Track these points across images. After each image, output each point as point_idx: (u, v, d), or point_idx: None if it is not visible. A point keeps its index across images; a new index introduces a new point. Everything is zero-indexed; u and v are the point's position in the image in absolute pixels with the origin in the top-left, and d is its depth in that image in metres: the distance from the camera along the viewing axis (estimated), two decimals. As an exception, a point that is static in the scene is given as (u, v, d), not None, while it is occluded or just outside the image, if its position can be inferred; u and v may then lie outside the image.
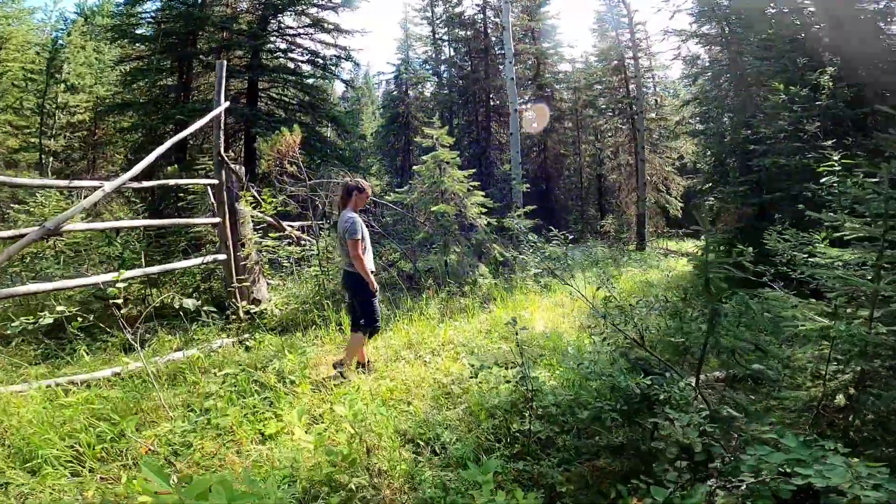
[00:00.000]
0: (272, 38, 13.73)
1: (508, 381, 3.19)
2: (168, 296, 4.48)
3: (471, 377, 3.62)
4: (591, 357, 3.38)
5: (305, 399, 3.58)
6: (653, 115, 19.45)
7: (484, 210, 7.09)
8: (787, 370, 2.50)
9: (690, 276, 12.29)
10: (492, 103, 19.55)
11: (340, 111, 17.59)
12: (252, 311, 5.69)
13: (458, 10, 20.31)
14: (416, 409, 3.48)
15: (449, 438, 3.02)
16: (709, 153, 10.79)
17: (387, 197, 8.19)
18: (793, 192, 6.76)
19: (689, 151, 19.01)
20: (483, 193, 6.94)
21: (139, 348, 3.51)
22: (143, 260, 5.86)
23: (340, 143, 16.91)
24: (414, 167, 7.59)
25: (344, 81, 17.82)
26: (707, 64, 11.26)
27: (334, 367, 3.99)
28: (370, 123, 29.70)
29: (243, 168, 5.29)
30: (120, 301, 3.51)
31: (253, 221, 5.69)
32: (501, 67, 18.22)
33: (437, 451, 2.94)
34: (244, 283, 5.46)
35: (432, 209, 6.48)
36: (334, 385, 3.87)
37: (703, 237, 2.49)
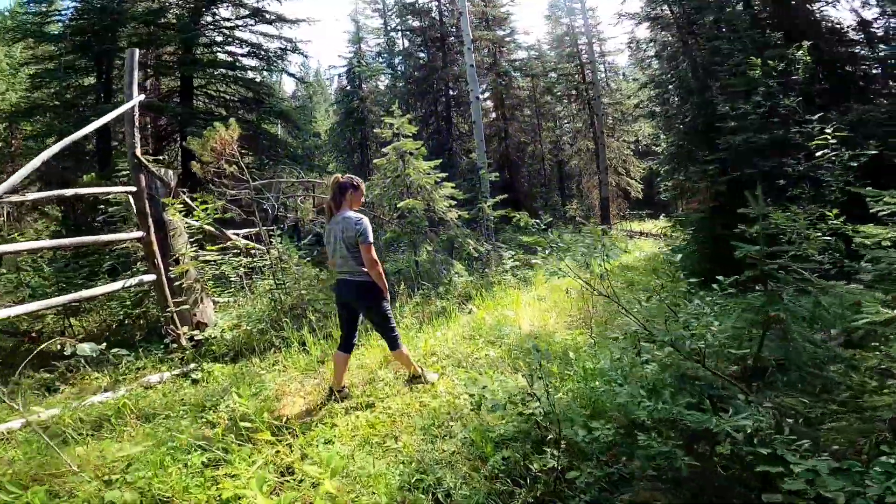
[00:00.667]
0: (207, 32, 12.54)
1: (514, 403, 2.63)
2: (54, 342, 3.62)
3: (471, 409, 3.05)
4: (617, 369, 2.87)
5: (267, 451, 2.89)
6: (609, 99, 19.50)
7: (454, 203, 6.51)
8: (854, 371, 2.06)
9: (662, 256, 12.33)
10: (451, 93, 18.96)
11: (289, 107, 16.47)
12: (197, 336, 4.88)
13: (411, -1, 19.61)
14: (407, 446, 2.87)
15: (453, 482, 2.44)
16: (670, 135, 10.67)
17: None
18: (764, 168, 6.59)
19: (646, 134, 19.23)
20: (452, 185, 6.35)
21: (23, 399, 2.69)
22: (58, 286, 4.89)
23: (292, 142, 15.87)
24: (374, 161, 6.90)
25: (291, 75, 16.71)
26: (660, 46, 11.13)
27: (408, 383, 3.62)
28: (324, 120, 28.39)
29: (170, 171, 4.44)
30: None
31: (190, 232, 4.85)
32: (459, 56, 17.65)
33: (441, 501, 2.35)
34: (183, 306, 4.63)
35: (398, 205, 5.83)
36: (304, 425, 3.20)
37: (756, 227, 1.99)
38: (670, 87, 10.70)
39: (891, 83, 9.73)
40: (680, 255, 6.22)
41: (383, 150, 6.81)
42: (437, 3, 19.13)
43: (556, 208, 17.66)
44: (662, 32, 11.16)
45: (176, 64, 12.02)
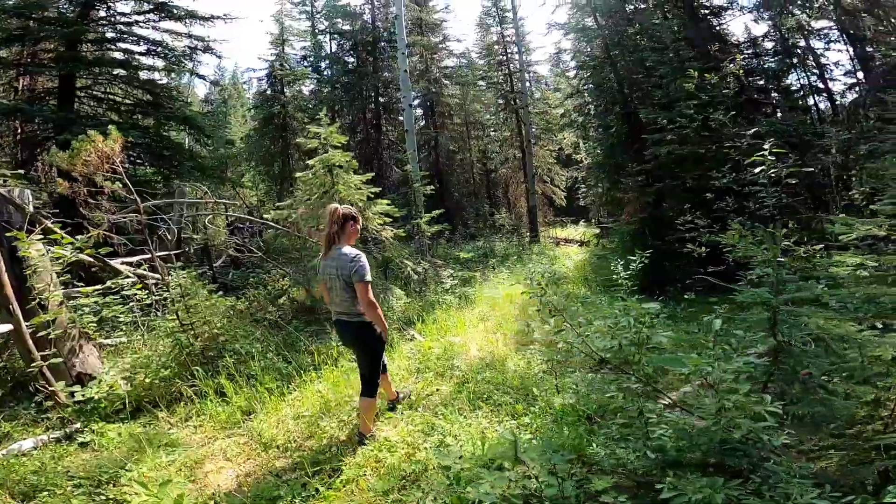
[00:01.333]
0: (101, 27, 10.92)
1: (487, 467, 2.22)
2: None
3: (436, 468, 2.61)
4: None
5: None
6: (535, 108, 20.07)
7: (388, 220, 6.02)
8: (850, 402, 1.91)
9: (590, 263, 12.71)
10: (381, 99, 18.36)
11: (195, 112, 14.87)
12: (78, 392, 3.92)
13: (342, 1, 18.74)
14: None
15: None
16: (596, 145, 11.03)
17: (266, 214, 6.64)
18: (688, 181, 6.87)
19: (569, 143, 20.01)
20: (387, 202, 5.85)
21: None
22: None
23: (202, 151, 14.35)
24: (297, 174, 6.21)
25: (202, 77, 15.27)
26: (587, 57, 11.53)
27: (360, 442, 3.09)
28: (240, 127, 26.30)
29: (27, 192, 3.50)
30: None
31: (61, 264, 3.89)
32: (391, 61, 17.14)
33: None
34: (54, 359, 3.68)
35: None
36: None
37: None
38: (595, 97, 11.07)
39: (775, 95, 10.84)
40: (624, 271, 6.21)
41: (308, 162, 6.15)
42: (369, 6, 18.52)
43: (486, 218, 17.72)
44: (587, 44, 11.55)
45: (53, 61, 10.28)
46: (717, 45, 9.20)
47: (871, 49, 14.04)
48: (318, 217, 5.34)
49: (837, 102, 15.60)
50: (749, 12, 12.90)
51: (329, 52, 19.80)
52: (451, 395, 3.86)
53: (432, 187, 7.83)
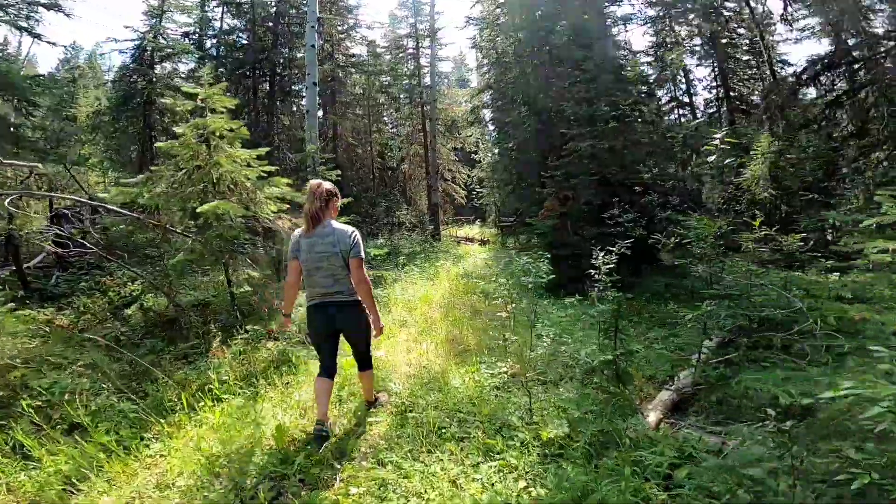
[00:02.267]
0: None
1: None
2: None
3: None
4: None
5: None
6: (442, 104, 19.63)
7: (286, 206, 4.80)
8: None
9: (497, 261, 12.50)
10: (277, 79, 16.23)
11: (16, 73, 11.52)
12: None
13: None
14: None
15: None
16: (508, 141, 10.80)
17: (106, 193, 4.95)
18: (608, 175, 6.77)
19: (471, 142, 19.95)
20: (287, 181, 4.61)
21: None
22: None
23: (29, 122, 11.14)
24: (157, 144, 4.71)
25: (37, 36, 11.97)
26: (500, 52, 11.27)
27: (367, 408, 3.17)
28: (90, 102, 21.55)
29: None
30: None
31: None
32: (296, 40, 15.15)
33: None
34: None
35: (197, 209, 3.86)
36: None
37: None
38: (510, 92, 10.83)
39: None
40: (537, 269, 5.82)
41: (177, 129, 4.67)
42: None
43: (388, 214, 16.74)
44: (502, 39, 11.28)
45: None
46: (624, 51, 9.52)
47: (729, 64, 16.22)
48: (184, 198, 3.95)
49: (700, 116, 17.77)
50: (643, 24, 14.03)
51: (219, 28, 17.04)
52: (393, 432, 2.92)
53: (338, 172, 6.64)
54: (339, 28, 18.44)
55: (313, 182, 2.91)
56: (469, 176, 21.37)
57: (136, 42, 15.12)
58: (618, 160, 6.49)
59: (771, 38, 15.57)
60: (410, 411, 3.18)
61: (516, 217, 18.45)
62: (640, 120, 7.31)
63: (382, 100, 20.53)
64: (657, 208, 5.34)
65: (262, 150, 4.69)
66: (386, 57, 21.30)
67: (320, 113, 18.71)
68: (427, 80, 18.47)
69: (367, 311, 2.94)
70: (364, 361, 3.12)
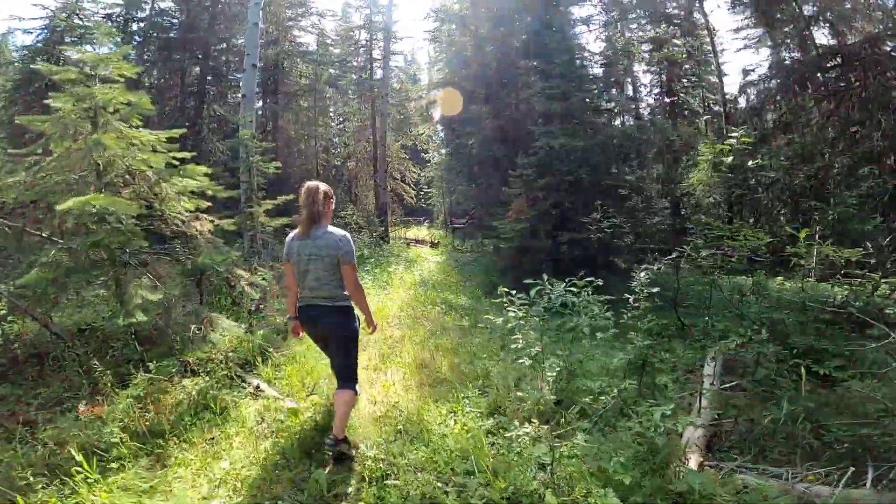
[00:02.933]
0: None
1: None
2: None
3: None
4: None
5: None
6: (394, 100, 18.62)
7: (206, 204, 3.75)
8: None
9: (455, 265, 11.77)
10: (210, 63, 14.45)
11: None
12: None
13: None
14: None
15: None
16: (470, 138, 10.14)
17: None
18: (582, 176, 6.28)
19: (423, 140, 19.13)
20: (205, 170, 3.52)
21: None
22: None
23: None
24: (19, 119, 3.52)
25: None
26: (460, 46, 10.59)
27: (335, 452, 2.57)
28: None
29: None
30: None
31: None
32: (239, 24, 13.47)
33: None
34: None
35: (68, 205, 2.69)
36: None
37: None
38: (467, 88, 10.15)
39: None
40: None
41: (51, 101, 3.49)
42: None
43: (333, 214, 15.53)
44: (460, 32, 10.59)
45: None
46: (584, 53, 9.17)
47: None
48: (51, 190, 2.83)
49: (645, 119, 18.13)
50: (597, 27, 13.92)
51: (150, 10, 14.90)
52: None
53: (276, 164, 5.53)
54: (289, 14, 16.96)
55: (311, 184, 2.79)
56: (419, 175, 20.58)
57: (46, 21, 12.89)
58: (593, 159, 5.98)
59: (708, 46, 16.17)
60: (388, 476, 2.36)
61: (469, 218, 17.90)
62: (602, 121, 6.88)
63: (330, 93, 19.22)
64: (643, 213, 4.87)
65: (176, 132, 3.62)
66: (335, 50, 20.01)
67: (260, 103, 17.20)
68: (379, 73, 17.43)
69: (355, 320, 2.84)
70: (344, 377, 2.80)
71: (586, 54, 10.58)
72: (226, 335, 3.54)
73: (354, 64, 18.81)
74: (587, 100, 6.27)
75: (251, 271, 4.25)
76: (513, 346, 4.46)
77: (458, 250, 14.79)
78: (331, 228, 2.77)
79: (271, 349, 4.09)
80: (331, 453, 2.55)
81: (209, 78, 14.86)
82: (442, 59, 14.23)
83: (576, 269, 6.81)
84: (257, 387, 3.61)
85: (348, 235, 2.79)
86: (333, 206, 2.90)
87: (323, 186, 2.81)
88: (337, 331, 2.78)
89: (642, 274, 2.86)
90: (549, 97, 6.40)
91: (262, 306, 4.83)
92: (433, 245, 15.66)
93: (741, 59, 39.33)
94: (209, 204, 3.56)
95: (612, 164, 6.26)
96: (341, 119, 21.30)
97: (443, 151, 20.50)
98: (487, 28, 9.27)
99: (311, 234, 2.72)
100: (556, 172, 6.27)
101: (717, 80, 14.98)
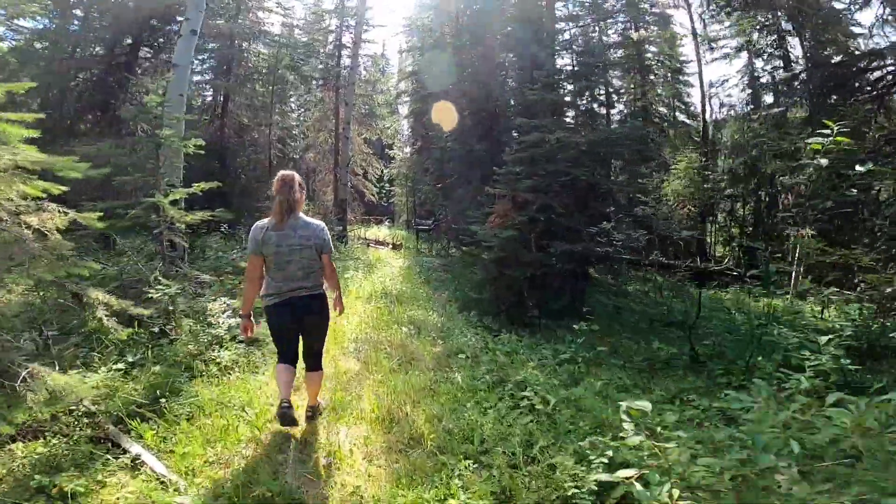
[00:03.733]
0: None
1: None
2: None
3: None
4: None
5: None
6: (361, 90, 17.24)
7: (59, 189, 2.44)
8: None
9: (410, 270, 10.55)
10: (144, 33, 12.53)
11: None
12: None
13: None
14: None
15: None
16: (444, 134, 9.09)
17: None
18: (581, 176, 5.37)
19: (389, 134, 17.87)
20: (32, 134, 2.17)
21: None
22: None
23: None
24: None
25: None
26: (440, 35, 9.52)
27: (307, 418, 3.00)
28: None
29: None
30: None
31: None
32: None
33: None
34: None
35: None
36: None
37: None
38: (442, 79, 9.08)
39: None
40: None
41: None
42: None
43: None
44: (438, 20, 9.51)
45: None
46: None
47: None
48: None
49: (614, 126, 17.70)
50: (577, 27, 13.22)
51: None
52: None
53: (199, 143, 4.14)
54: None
55: (286, 173, 2.82)
56: (383, 171, 19.31)
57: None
58: (592, 158, 5.08)
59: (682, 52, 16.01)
60: None
61: (435, 220, 16.78)
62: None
63: (291, 77, 17.52)
64: (659, 221, 4.01)
65: (22, 85, 2.32)
66: (302, 38, 18.38)
67: (209, 84, 15.38)
68: (347, 60, 16.03)
69: (329, 306, 2.95)
70: (317, 362, 2.99)
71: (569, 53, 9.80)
72: (90, 380, 2.29)
73: (321, 50, 17.29)
74: (583, 92, 5.39)
75: (156, 281, 3.03)
76: (508, 386, 3.51)
77: (422, 254, 13.66)
78: (309, 218, 2.84)
79: (167, 396, 2.88)
80: (309, 419, 2.94)
81: (145, 49, 13.00)
82: (417, 48, 13.10)
83: (563, 284, 5.95)
84: (136, 457, 2.41)
85: (325, 225, 2.89)
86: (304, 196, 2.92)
87: (297, 176, 2.84)
88: (318, 316, 2.90)
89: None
90: (544, 85, 5.44)
91: (169, 329, 3.58)
92: (395, 247, 14.41)
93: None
94: (64, 188, 2.29)
95: (616, 166, 5.41)
96: (302, 108, 19.67)
97: (406, 150, 19.29)
98: (469, 15, 8.31)
99: (288, 223, 2.72)
100: (549, 172, 5.32)
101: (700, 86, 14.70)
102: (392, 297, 6.96)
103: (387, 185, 21.60)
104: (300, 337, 2.90)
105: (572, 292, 5.98)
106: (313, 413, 2.98)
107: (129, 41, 12.58)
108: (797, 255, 6.02)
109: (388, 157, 21.31)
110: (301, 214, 2.78)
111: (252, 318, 2.82)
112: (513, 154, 5.56)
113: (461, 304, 6.75)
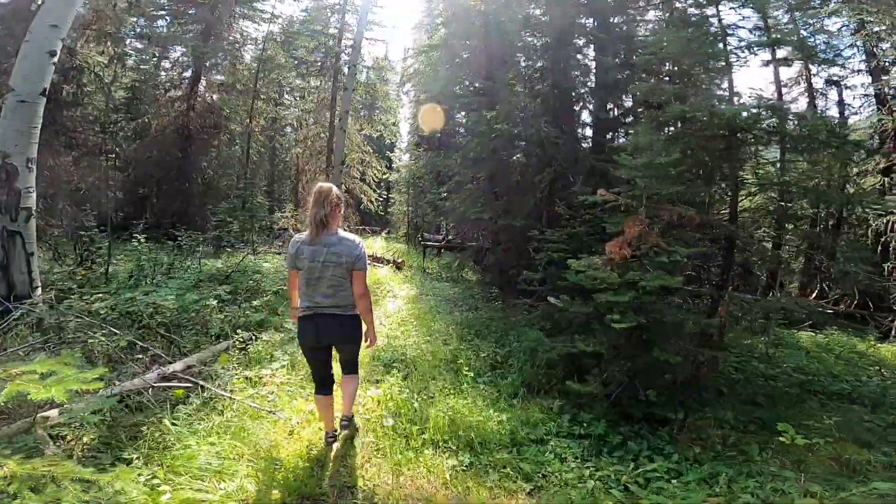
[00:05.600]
0: None
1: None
2: None
3: None
4: None
5: None
6: (364, 78, 14.80)
7: None
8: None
9: (427, 308, 7.76)
10: None
11: None
12: None
13: None
14: None
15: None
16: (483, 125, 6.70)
17: None
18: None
19: (392, 133, 15.43)
20: None
21: None
22: None
23: None
24: None
25: None
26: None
27: (342, 426, 3.05)
28: None
29: None
30: None
31: None
32: None
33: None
34: None
35: None
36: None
37: None
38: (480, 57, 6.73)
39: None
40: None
41: None
42: None
43: (261, 213, 11.38)
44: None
45: None
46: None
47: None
48: None
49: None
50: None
51: None
52: None
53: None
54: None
55: (323, 185, 2.78)
56: (384, 174, 16.85)
57: None
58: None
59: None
60: None
61: (446, 235, 14.29)
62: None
63: (284, 59, 15.06)
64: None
65: None
66: (301, 24, 15.98)
67: (178, 58, 12.88)
68: (349, 41, 13.65)
69: (362, 325, 2.88)
70: (351, 365, 3.03)
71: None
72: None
73: (320, 28, 14.87)
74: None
75: None
76: None
77: (431, 276, 11.14)
78: (344, 233, 2.79)
79: None
80: (343, 428, 2.98)
81: None
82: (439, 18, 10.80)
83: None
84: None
85: (362, 241, 2.81)
86: (344, 211, 2.94)
87: (335, 189, 2.80)
88: (348, 336, 2.83)
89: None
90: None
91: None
92: (397, 266, 11.76)
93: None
94: None
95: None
96: (293, 96, 17.14)
97: (406, 157, 16.85)
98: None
99: (321, 238, 2.69)
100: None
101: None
102: (410, 366, 4.46)
103: (384, 192, 19.11)
104: (331, 356, 2.92)
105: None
106: (348, 423, 3.00)
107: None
108: None
109: (389, 158, 18.92)
110: (339, 230, 2.75)
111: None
112: (647, 133, 3.13)
113: (525, 377, 4.28)
